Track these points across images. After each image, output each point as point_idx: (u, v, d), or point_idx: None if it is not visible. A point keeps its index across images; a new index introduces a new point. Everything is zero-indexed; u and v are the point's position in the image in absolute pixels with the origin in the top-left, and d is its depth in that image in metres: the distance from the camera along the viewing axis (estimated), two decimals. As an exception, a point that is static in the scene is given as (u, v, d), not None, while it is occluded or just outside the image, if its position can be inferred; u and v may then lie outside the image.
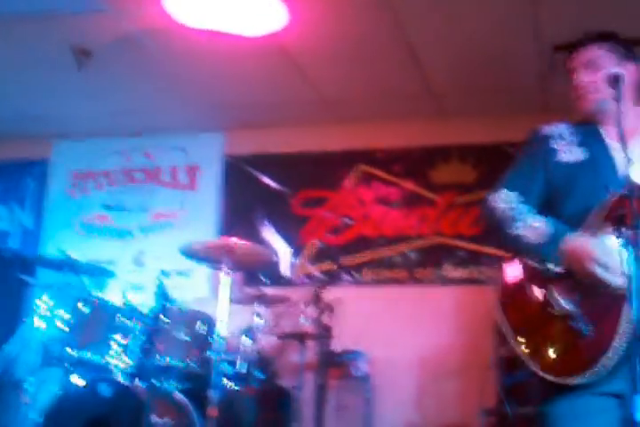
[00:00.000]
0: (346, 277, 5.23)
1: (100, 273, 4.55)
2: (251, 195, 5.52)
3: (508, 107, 4.84)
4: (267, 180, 5.53)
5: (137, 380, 3.59)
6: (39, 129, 5.64)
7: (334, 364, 4.47)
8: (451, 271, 5.11)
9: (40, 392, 3.71)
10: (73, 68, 4.41)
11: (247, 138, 5.62)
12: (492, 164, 4.97)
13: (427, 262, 5.18)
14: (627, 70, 2.17)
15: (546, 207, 2.21)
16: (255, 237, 5.20)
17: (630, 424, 1.68)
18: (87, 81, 4.77)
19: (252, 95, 5.10)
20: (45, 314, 3.78)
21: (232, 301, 3.77)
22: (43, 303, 3.82)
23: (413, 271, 5.18)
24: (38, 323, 3.79)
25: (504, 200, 2.23)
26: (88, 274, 4.33)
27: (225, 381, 3.81)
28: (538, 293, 2.08)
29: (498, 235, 2.22)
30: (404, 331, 4.96)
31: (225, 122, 5.53)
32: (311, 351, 4.16)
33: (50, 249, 5.47)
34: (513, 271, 2.18)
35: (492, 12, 3.93)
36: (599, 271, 1.93)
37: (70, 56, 4.35)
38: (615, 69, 2.11)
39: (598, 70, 2.15)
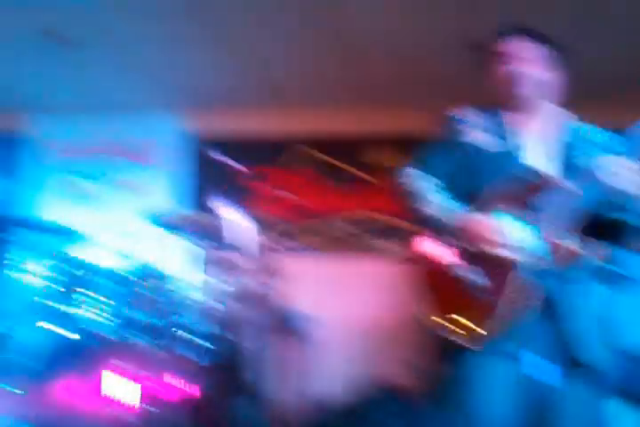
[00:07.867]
0: (291, 246, 5.60)
1: (69, 235, 4.68)
2: (206, 170, 5.69)
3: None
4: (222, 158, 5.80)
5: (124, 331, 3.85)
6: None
7: (282, 324, 4.69)
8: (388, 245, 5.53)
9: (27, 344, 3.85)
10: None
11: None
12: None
13: (370, 237, 5.62)
14: (552, 76, 2.35)
15: (453, 188, 2.32)
16: (211, 210, 5.57)
17: (523, 377, 1.96)
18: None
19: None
20: (25, 270, 3.98)
21: (194, 264, 4.09)
22: (20, 261, 4.02)
23: (353, 243, 5.62)
24: (22, 278, 3.98)
25: (414, 177, 2.35)
26: (59, 235, 4.56)
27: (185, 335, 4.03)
28: (451, 267, 2.20)
29: (410, 210, 2.32)
30: (349, 297, 5.33)
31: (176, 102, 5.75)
32: (262, 312, 4.36)
33: (24, 212, 5.78)
34: (430, 247, 2.27)
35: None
36: (493, 246, 2.07)
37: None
38: (543, 75, 2.31)
39: (533, 65, 2.30)
